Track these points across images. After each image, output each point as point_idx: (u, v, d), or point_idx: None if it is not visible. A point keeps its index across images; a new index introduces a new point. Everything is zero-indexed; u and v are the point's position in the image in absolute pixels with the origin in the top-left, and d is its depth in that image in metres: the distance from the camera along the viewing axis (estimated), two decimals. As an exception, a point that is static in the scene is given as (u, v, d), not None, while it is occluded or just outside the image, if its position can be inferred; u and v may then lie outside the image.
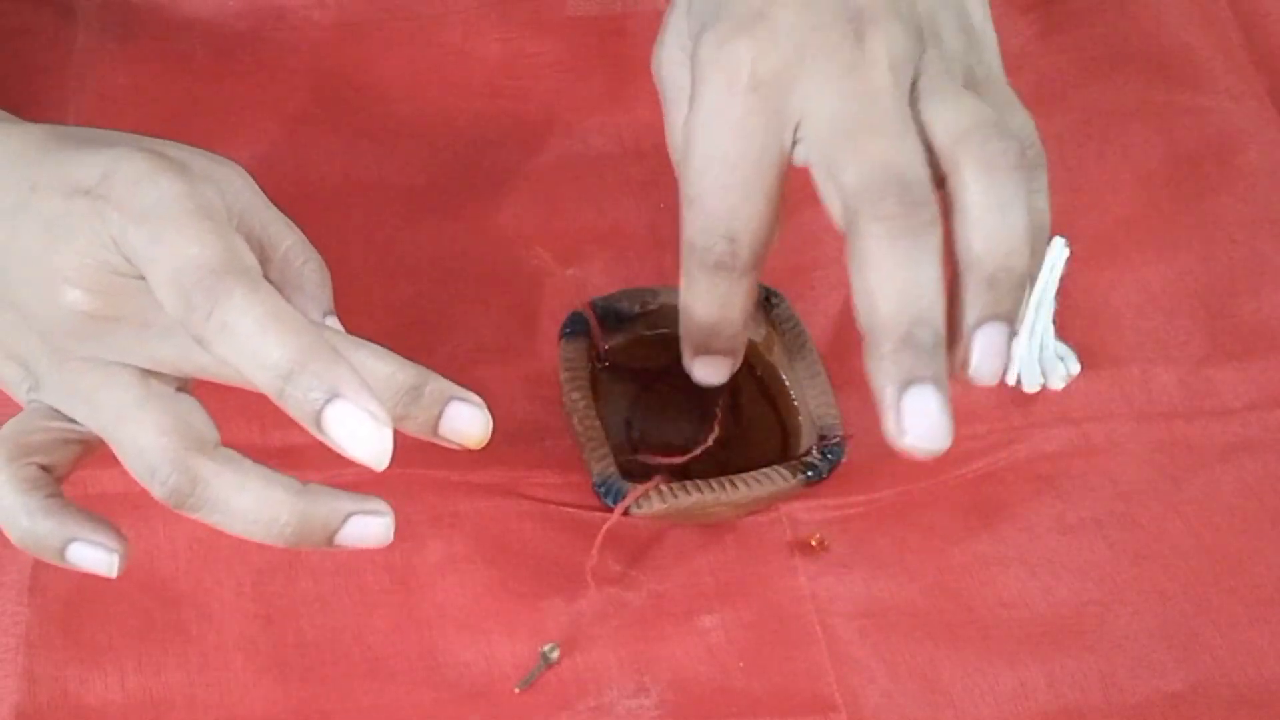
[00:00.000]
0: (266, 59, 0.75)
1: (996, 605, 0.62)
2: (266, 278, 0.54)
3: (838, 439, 0.62)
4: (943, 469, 0.65)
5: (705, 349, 0.58)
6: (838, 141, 0.52)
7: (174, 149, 0.53)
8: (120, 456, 0.50)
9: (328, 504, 0.50)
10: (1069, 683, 0.60)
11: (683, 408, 0.65)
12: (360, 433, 0.48)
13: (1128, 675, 0.60)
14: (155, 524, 0.61)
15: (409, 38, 0.76)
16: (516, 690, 0.59)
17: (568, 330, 0.64)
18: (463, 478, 0.63)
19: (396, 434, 0.64)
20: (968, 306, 0.51)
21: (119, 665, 0.58)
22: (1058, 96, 0.75)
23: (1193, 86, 0.77)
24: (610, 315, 0.65)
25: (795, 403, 0.64)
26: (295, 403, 0.48)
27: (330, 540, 0.50)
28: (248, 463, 0.50)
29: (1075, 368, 0.67)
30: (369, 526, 0.51)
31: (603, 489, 0.60)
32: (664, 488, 0.60)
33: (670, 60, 0.58)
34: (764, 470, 0.61)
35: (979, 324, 0.51)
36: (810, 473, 0.61)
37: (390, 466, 0.63)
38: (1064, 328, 0.67)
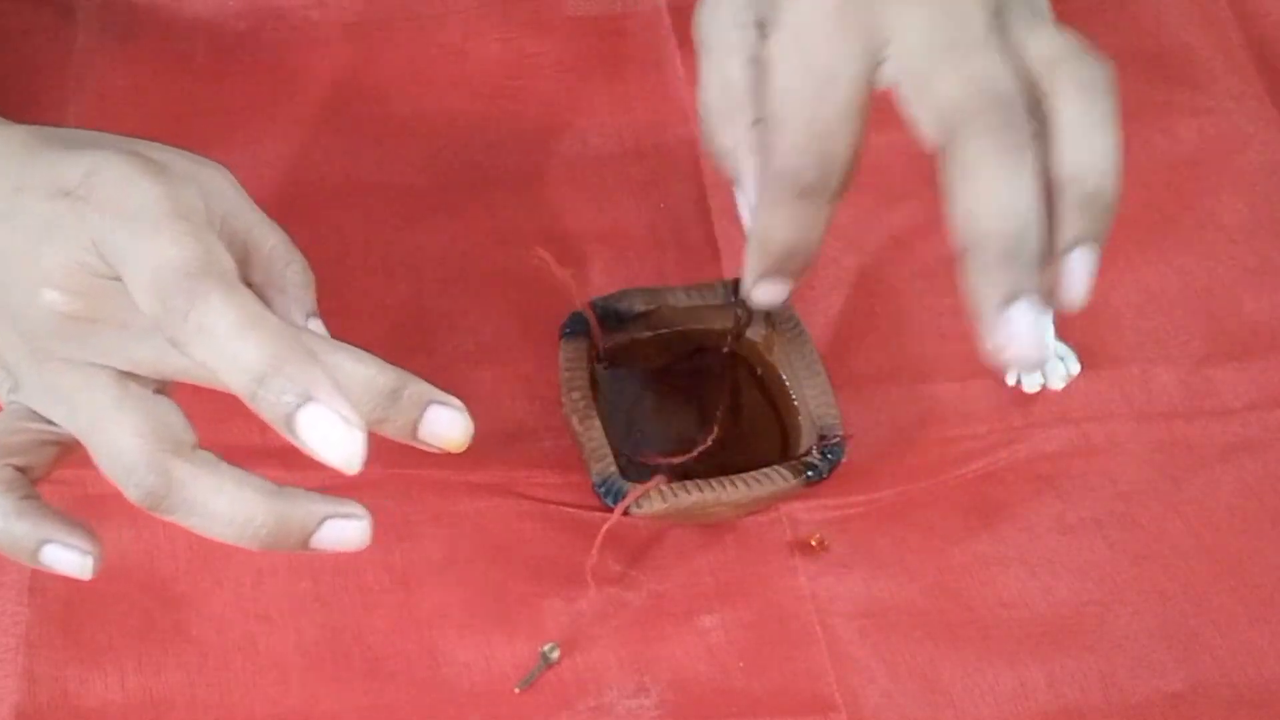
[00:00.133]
0: (266, 59, 0.75)
1: (996, 605, 0.62)
2: (249, 280, 0.54)
3: (838, 439, 0.62)
4: (943, 469, 0.65)
5: (775, 273, 0.56)
6: (934, 58, 0.52)
7: (158, 150, 0.53)
8: (96, 458, 0.50)
9: (304, 507, 0.50)
10: (1069, 683, 0.60)
11: (683, 408, 0.65)
12: (332, 436, 0.47)
13: (1128, 675, 0.60)
14: (155, 524, 0.61)
15: (409, 38, 0.76)
16: (516, 690, 0.59)
17: (568, 330, 0.64)
18: (463, 478, 0.63)
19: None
20: (1063, 226, 0.51)
21: (119, 665, 0.58)
22: (1058, 96, 0.75)
23: (1193, 86, 0.77)
24: (610, 315, 0.65)
25: (795, 403, 0.64)
26: (268, 405, 0.48)
27: (306, 543, 0.50)
28: (224, 465, 0.50)
29: (1075, 368, 0.67)
30: (345, 530, 0.50)
31: (603, 489, 0.60)
32: (664, 488, 0.60)
33: (714, 15, 0.57)
34: (764, 470, 0.61)
35: (1074, 244, 0.51)
36: (810, 473, 0.61)
37: (390, 467, 0.63)
38: (1064, 328, 0.67)
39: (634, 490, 0.59)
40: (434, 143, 0.73)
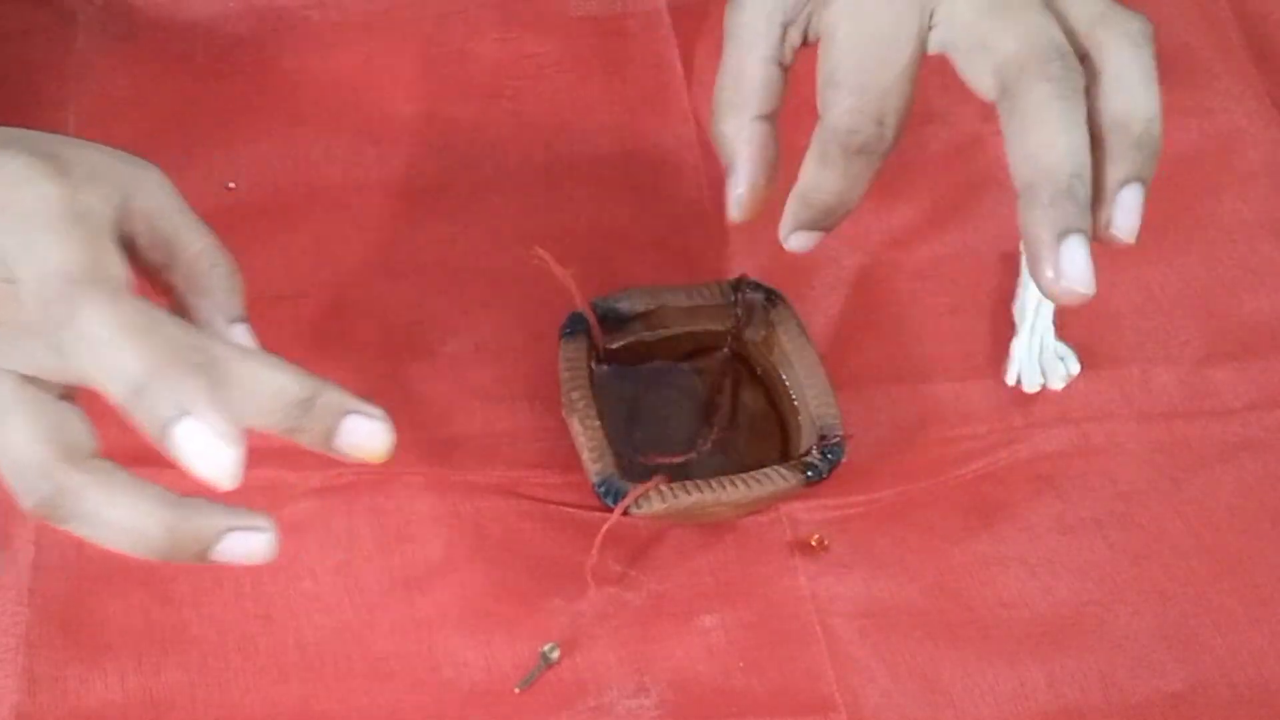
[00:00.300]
0: (266, 59, 0.75)
1: (996, 605, 0.62)
2: (172, 284, 0.54)
3: (838, 439, 0.62)
4: (943, 469, 0.65)
5: (817, 225, 0.59)
6: (989, 17, 0.55)
7: (77, 149, 0.53)
8: None
9: (202, 519, 0.49)
10: (1069, 683, 0.60)
11: (683, 408, 0.65)
12: (207, 452, 0.47)
13: (1128, 675, 0.60)
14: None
15: (409, 38, 0.76)
16: (516, 690, 0.59)
17: (568, 330, 0.64)
18: (463, 478, 0.63)
19: (396, 436, 0.64)
20: (1114, 165, 0.54)
21: (119, 665, 0.58)
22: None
23: (1193, 86, 0.77)
24: (610, 315, 0.65)
25: (795, 403, 0.64)
26: (144, 417, 0.47)
27: (205, 555, 0.49)
28: (120, 474, 0.49)
29: (1075, 368, 0.67)
30: (248, 542, 0.49)
31: (603, 489, 0.60)
32: (664, 488, 0.59)
33: (745, 7, 0.60)
34: (764, 470, 0.61)
35: (1125, 183, 0.54)
36: (810, 473, 0.61)
37: (390, 467, 0.63)
38: (1064, 328, 0.67)
39: (634, 490, 0.59)
40: (434, 143, 0.73)
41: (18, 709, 0.57)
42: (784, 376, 0.65)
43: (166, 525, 0.48)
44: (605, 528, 0.59)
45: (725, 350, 0.66)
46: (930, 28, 0.56)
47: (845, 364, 0.66)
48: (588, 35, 0.77)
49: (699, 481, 0.60)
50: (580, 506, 0.63)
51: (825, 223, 0.59)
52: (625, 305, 0.65)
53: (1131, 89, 0.54)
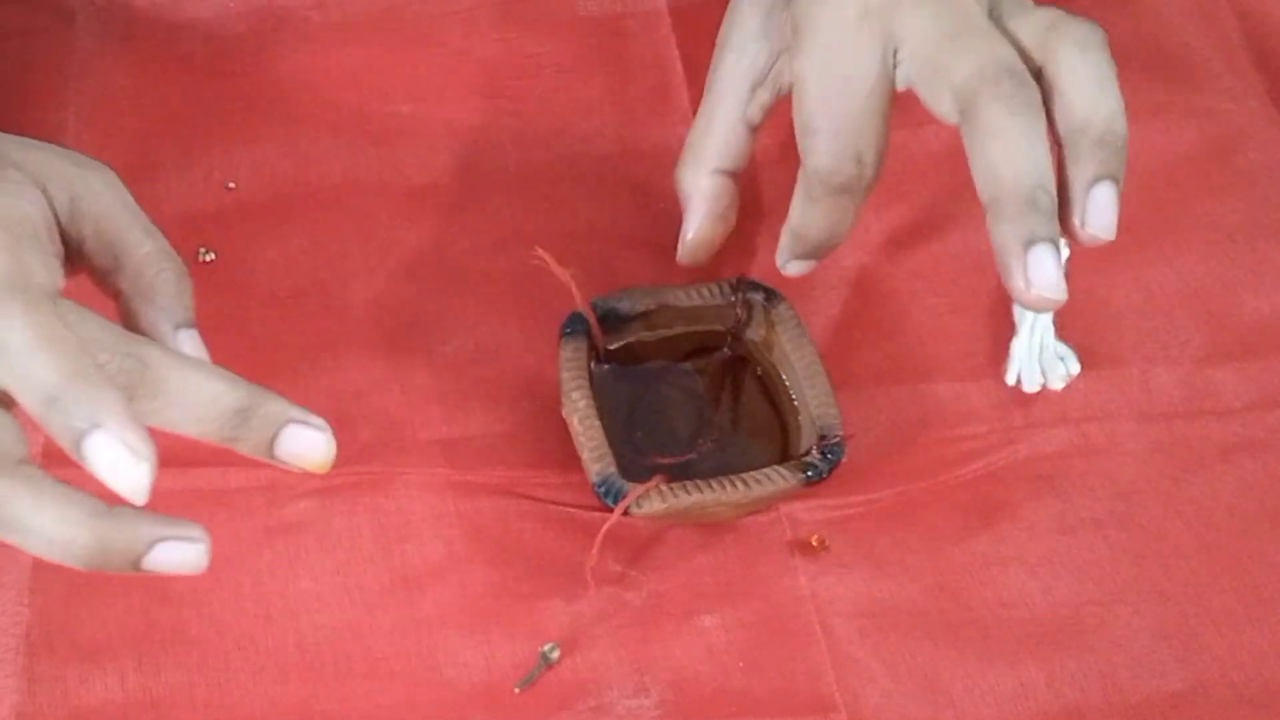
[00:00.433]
0: (266, 59, 0.75)
1: (996, 605, 0.62)
2: (117, 287, 0.54)
3: (838, 439, 0.62)
4: (943, 469, 0.65)
5: (809, 256, 0.64)
6: (944, 49, 0.57)
7: (19, 149, 0.53)
8: None
9: (131, 529, 0.48)
10: (1069, 683, 0.60)
11: (683, 408, 0.65)
12: (119, 465, 0.47)
13: (1128, 675, 0.60)
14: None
15: (409, 38, 0.76)
16: (516, 690, 0.59)
17: (568, 330, 0.64)
18: (463, 478, 0.63)
19: (396, 437, 0.64)
20: (1080, 167, 0.56)
21: (119, 665, 0.58)
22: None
23: (1193, 86, 0.77)
24: (610, 315, 0.65)
25: (795, 403, 0.64)
26: (56, 428, 0.47)
27: (136, 565, 0.48)
28: (48, 482, 0.48)
29: (1075, 368, 0.67)
30: (178, 552, 0.49)
31: (603, 489, 0.60)
32: (664, 488, 0.60)
33: (725, 64, 0.65)
34: (764, 470, 0.61)
35: (1094, 182, 0.55)
36: (810, 473, 0.61)
37: (389, 466, 0.63)
38: (1064, 328, 0.67)
39: (634, 490, 0.59)
40: (434, 143, 0.73)
41: (18, 709, 0.57)
42: (784, 376, 0.65)
43: (95, 534, 0.48)
44: (605, 528, 0.59)
45: (725, 350, 0.66)
46: (895, 65, 0.58)
47: (845, 364, 0.66)
48: (588, 35, 0.77)
49: (699, 481, 0.60)
50: (580, 506, 0.63)
51: (818, 254, 0.64)
52: (625, 305, 0.65)
53: (1088, 92, 0.56)
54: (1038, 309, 0.56)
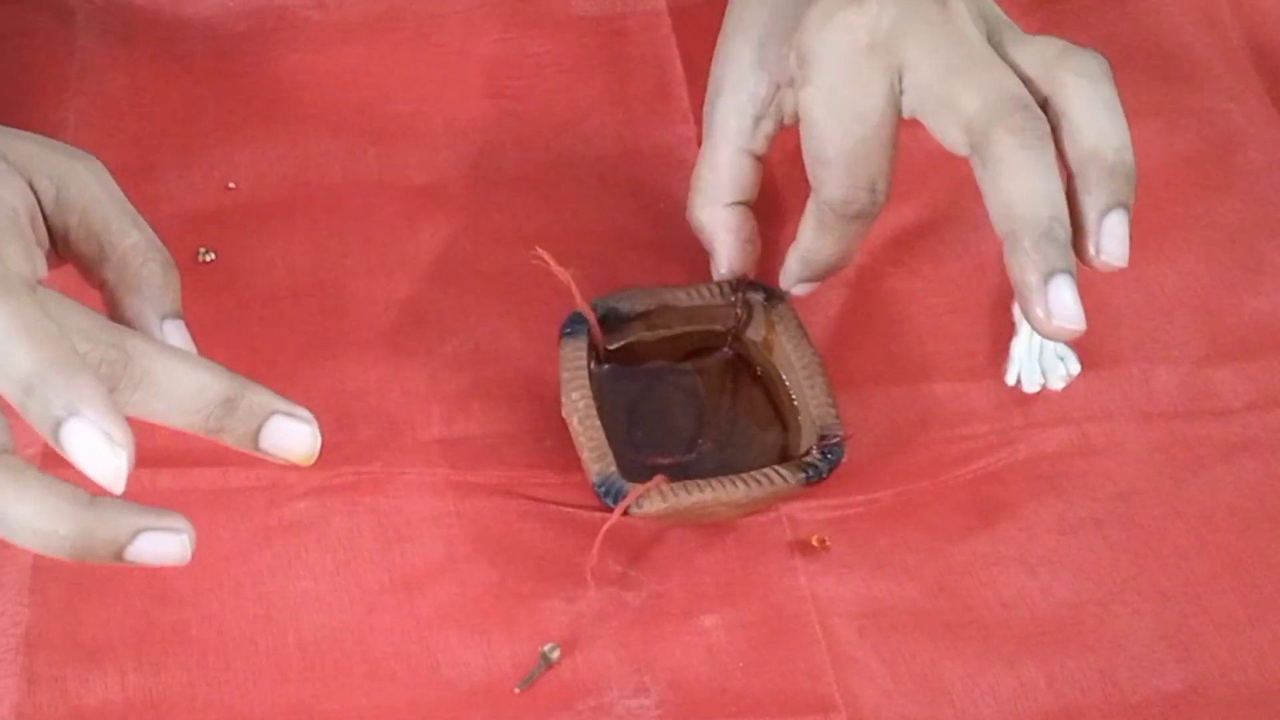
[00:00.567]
0: (266, 59, 0.75)
1: (996, 605, 0.62)
2: (103, 278, 0.54)
3: (838, 439, 0.62)
4: (943, 469, 0.65)
5: (817, 279, 0.65)
6: (950, 79, 0.57)
7: (4, 137, 0.52)
8: None
9: (114, 519, 0.48)
10: (1069, 683, 0.60)
11: (683, 408, 0.65)
12: (96, 454, 0.47)
13: (1128, 675, 0.60)
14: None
15: (409, 38, 0.76)
16: (516, 690, 0.59)
17: (568, 330, 0.64)
18: (463, 478, 0.63)
19: (396, 436, 0.64)
20: (1093, 196, 0.56)
21: (119, 665, 0.58)
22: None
23: (1193, 86, 0.77)
24: (610, 315, 0.65)
25: (795, 403, 0.64)
26: (34, 416, 0.47)
27: (119, 556, 0.48)
28: (30, 472, 0.48)
29: (1075, 368, 0.67)
30: (162, 543, 0.49)
31: (603, 489, 0.60)
32: (664, 488, 0.60)
33: (721, 103, 0.66)
34: (764, 470, 0.61)
35: (1106, 211, 0.56)
36: (810, 473, 0.61)
37: (389, 466, 0.63)
38: (1064, 328, 0.67)
39: (634, 490, 0.59)
40: (434, 143, 0.73)
41: (18, 709, 0.57)
42: (784, 376, 0.65)
43: (79, 524, 0.48)
44: (605, 528, 0.59)
45: (725, 350, 0.66)
46: (900, 93, 0.59)
47: (845, 364, 0.66)
48: (588, 35, 0.77)
49: (699, 481, 0.60)
50: (580, 506, 0.63)
51: (825, 277, 0.64)
52: (625, 305, 0.65)
53: (1097, 122, 0.57)
54: (1058, 339, 0.57)
